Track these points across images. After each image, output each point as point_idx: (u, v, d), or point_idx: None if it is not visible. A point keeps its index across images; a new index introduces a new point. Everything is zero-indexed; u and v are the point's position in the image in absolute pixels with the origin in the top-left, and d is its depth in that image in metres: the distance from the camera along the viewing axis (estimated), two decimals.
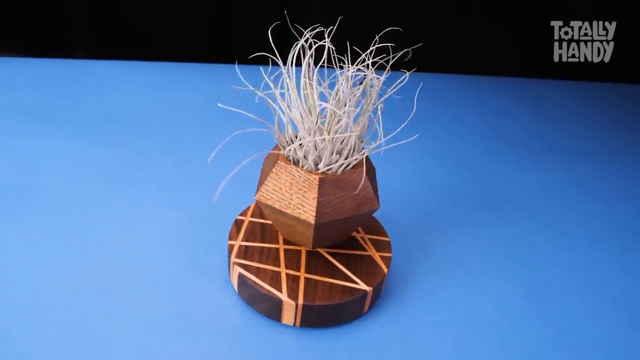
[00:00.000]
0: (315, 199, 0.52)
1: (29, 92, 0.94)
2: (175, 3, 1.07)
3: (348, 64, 0.53)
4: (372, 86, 0.54)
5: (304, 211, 0.52)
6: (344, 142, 0.54)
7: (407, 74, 0.53)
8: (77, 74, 1.02)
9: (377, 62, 0.54)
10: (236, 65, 1.13)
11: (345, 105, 0.53)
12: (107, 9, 1.06)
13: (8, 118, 0.86)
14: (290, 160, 0.55)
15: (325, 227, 0.53)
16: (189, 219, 0.70)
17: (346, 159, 0.54)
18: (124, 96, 0.97)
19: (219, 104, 0.87)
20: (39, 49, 1.07)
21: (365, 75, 0.53)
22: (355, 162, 0.55)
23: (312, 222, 0.52)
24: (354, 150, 0.55)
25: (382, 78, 0.54)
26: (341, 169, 0.53)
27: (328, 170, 0.53)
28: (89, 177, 0.75)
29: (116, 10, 1.06)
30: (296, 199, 0.53)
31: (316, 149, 0.53)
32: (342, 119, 0.52)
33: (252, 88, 0.52)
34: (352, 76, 0.52)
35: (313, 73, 0.53)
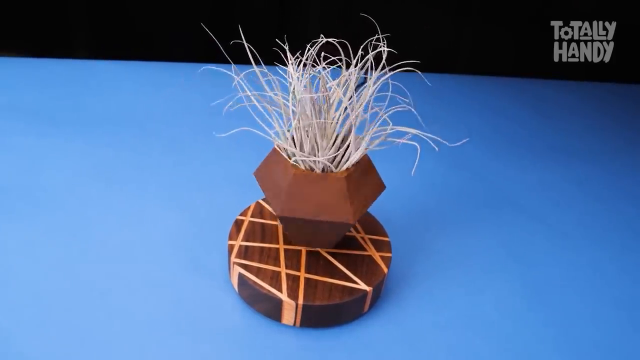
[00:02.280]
0: (284, 191, 0.52)
1: (29, 92, 0.94)
2: (175, 3, 1.07)
3: (344, 64, 0.53)
4: (365, 87, 0.54)
5: (274, 200, 0.53)
6: (336, 142, 0.54)
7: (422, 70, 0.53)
8: (77, 74, 1.02)
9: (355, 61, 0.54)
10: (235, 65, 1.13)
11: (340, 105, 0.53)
12: (108, 9, 1.06)
13: (8, 118, 0.86)
14: (285, 150, 0.55)
15: (290, 221, 0.53)
16: (189, 219, 0.70)
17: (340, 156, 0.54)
18: (124, 96, 0.97)
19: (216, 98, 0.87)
20: (39, 49, 1.07)
21: (365, 77, 0.53)
22: (342, 166, 0.54)
23: (278, 214, 0.53)
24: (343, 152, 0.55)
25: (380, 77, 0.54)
26: (321, 167, 0.53)
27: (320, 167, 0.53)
28: (89, 177, 0.75)
29: (117, 11, 1.06)
30: (274, 186, 0.54)
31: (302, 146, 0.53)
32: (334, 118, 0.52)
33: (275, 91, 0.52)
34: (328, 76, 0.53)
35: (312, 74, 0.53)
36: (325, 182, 0.52)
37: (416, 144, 0.63)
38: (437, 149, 0.84)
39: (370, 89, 0.53)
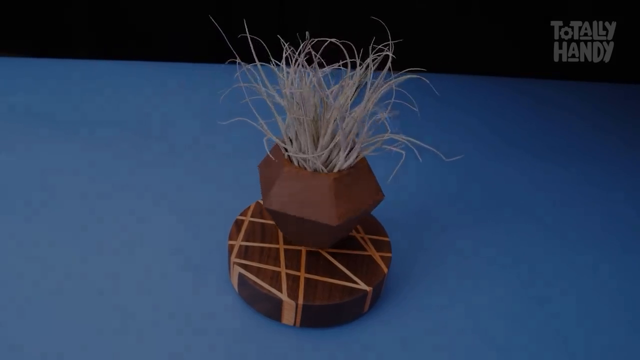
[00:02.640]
0: (274, 185, 0.53)
1: (29, 92, 0.94)
2: (175, 3, 1.07)
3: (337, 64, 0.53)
4: (367, 86, 0.54)
5: (264, 192, 0.54)
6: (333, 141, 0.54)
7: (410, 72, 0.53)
8: (77, 74, 1.02)
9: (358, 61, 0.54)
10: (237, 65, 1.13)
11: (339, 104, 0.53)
12: (108, 9, 1.06)
13: (8, 118, 0.86)
14: (285, 148, 0.56)
15: (275, 215, 0.54)
16: (189, 219, 0.70)
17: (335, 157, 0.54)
18: (125, 96, 0.97)
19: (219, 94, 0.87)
20: (39, 49, 1.07)
21: (365, 79, 0.53)
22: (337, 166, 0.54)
23: (264, 205, 0.54)
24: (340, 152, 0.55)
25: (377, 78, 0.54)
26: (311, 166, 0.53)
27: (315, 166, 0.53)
28: (89, 177, 0.75)
29: (117, 11, 1.06)
30: (267, 179, 0.55)
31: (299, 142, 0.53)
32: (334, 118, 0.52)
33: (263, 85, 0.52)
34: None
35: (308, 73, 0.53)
36: (312, 181, 0.52)
37: (403, 152, 0.63)
38: (420, 159, 0.84)
39: (368, 103, 0.53)
